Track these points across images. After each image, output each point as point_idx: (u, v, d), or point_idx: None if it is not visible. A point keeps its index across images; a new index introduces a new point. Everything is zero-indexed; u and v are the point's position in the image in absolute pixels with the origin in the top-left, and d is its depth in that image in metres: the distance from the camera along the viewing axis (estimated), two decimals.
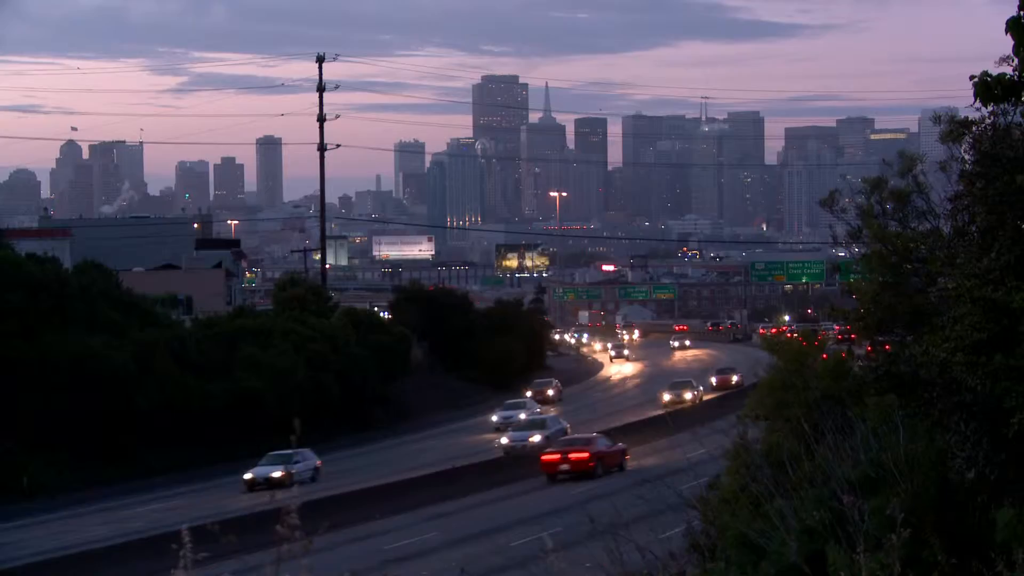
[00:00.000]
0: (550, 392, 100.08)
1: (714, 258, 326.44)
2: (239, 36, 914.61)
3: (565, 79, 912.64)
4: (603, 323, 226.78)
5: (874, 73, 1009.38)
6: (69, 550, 45.99)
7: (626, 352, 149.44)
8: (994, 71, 13.21)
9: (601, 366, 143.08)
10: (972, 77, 13.20)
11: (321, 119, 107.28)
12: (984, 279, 14.11)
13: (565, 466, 56.96)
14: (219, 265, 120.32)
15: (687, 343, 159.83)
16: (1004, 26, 12.69)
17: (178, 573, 8.51)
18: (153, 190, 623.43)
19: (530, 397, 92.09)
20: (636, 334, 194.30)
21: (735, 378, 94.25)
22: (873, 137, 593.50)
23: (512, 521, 47.79)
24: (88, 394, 68.36)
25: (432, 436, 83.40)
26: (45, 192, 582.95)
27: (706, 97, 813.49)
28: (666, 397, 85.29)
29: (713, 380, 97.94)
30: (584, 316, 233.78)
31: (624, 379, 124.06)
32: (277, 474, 60.54)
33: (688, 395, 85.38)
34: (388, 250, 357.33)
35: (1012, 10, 12.58)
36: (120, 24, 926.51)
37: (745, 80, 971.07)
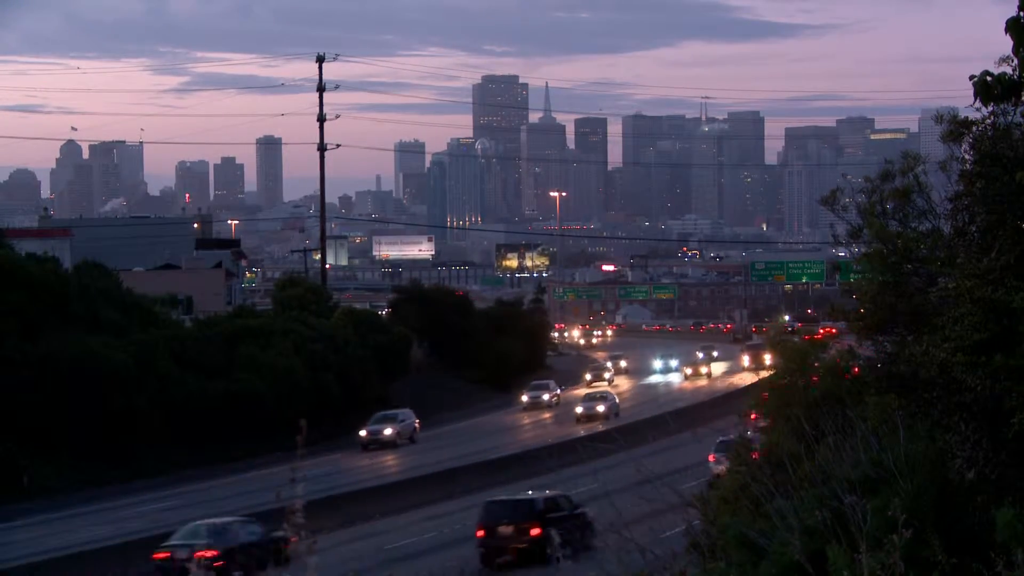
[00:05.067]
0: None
1: (714, 258, 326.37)
2: (241, 36, 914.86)
3: (565, 79, 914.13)
4: (603, 324, 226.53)
5: (874, 73, 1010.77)
6: (69, 550, 46.01)
7: None
8: (994, 71, 13.21)
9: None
10: (972, 77, 13.20)
11: (321, 119, 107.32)
12: (984, 279, 14.11)
13: None
14: (219, 265, 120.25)
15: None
16: (1004, 26, 12.70)
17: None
18: (153, 190, 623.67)
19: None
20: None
21: None
22: (873, 137, 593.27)
23: None
24: (88, 394, 68.28)
25: (434, 435, 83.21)
26: (45, 192, 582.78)
27: (706, 97, 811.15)
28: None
29: None
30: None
31: None
32: None
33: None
34: (388, 250, 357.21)
35: (1012, 10, 12.59)
36: (125, 25, 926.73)
37: (745, 80, 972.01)
